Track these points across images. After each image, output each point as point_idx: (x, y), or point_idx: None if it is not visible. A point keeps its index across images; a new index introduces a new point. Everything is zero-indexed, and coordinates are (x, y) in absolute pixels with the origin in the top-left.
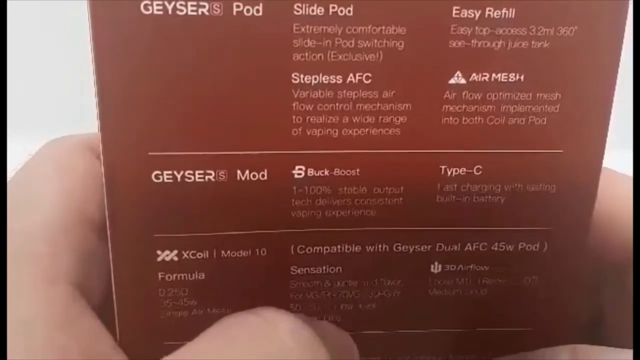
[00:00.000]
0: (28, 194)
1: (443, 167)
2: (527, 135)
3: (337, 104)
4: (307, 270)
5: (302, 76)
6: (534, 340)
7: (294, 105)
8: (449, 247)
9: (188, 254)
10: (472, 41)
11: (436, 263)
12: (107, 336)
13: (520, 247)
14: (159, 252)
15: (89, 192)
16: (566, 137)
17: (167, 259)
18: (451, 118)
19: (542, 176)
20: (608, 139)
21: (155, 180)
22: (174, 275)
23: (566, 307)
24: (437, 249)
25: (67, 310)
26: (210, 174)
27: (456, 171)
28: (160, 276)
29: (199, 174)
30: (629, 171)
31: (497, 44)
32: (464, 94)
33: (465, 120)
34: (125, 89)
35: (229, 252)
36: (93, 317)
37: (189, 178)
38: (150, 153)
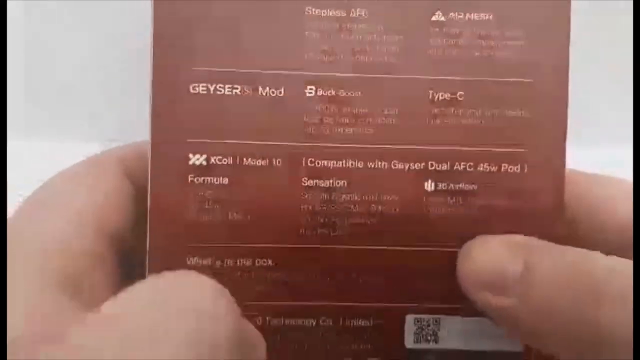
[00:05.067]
0: (50, 203)
1: (431, 91)
2: (499, 65)
3: (342, 34)
4: (316, 183)
5: (313, 10)
6: None
7: (306, 33)
8: (440, 166)
9: (215, 159)
10: None
11: (430, 181)
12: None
13: (503, 168)
14: (190, 155)
15: (108, 207)
16: (533, 68)
17: (197, 162)
18: (435, 50)
19: (517, 102)
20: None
21: (192, 92)
22: (202, 179)
23: (552, 232)
24: (429, 167)
25: (59, 319)
26: (237, 88)
27: (442, 96)
28: (190, 178)
29: (227, 87)
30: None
31: None
32: (444, 29)
33: (447, 52)
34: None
35: (249, 160)
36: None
37: (220, 91)
38: (190, 68)
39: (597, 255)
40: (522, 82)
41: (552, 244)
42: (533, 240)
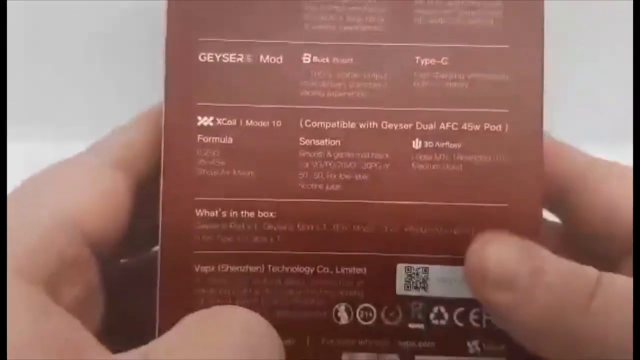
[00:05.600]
0: (37, 196)
1: (417, 57)
2: (479, 33)
3: (334, 6)
4: (312, 142)
5: None
6: (510, 216)
7: (304, 7)
8: (427, 126)
9: (220, 121)
10: None
11: (417, 139)
12: (81, 326)
13: (485, 127)
14: (199, 117)
15: (93, 207)
16: (509, 35)
17: (205, 124)
18: (421, 19)
19: (496, 66)
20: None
21: (201, 60)
22: (209, 138)
23: (535, 186)
24: (416, 127)
25: (38, 306)
26: (240, 57)
27: (427, 61)
28: (199, 138)
29: (232, 56)
30: None
31: None
32: (427, 2)
33: (432, 20)
34: None
35: (251, 121)
36: (67, 315)
37: (225, 59)
38: (199, 39)
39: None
40: (501, 48)
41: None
42: (542, 249)
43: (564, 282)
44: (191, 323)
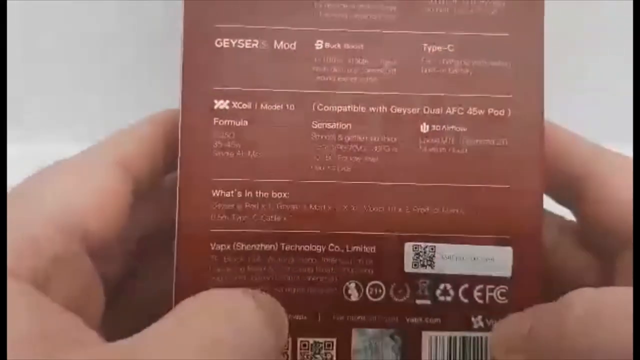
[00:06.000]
0: (32, 195)
1: (424, 45)
2: (483, 22)
3: None
4: (324, 125)
5: None
6: (512, 197)
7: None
8: (434, 110)
9: (236, 104)
10: None
11: (424, 123)
12: (74, 316)
13: (489, 112)
14: (215, 101)
15: (90, 204)
16: (511, 24)
17: (221, 107)
18: (428, 8)
19: (498, 54)
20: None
21: (217, 46)
22: (225, 121)
23: (535, 168)
24: (424, 111)
25: (31, 301)
26: (255, 42)
27: (434, 49)
28: (215, 121)
29: (247, 42)
30: None
31: None
32: None
33: (439, 10)
34: None
35: (266, 105)
36: (61, 308)
37: (240, 45)
38: (215, 25)
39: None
40: (503, 36)
41: (552, 304)
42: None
43: (550, 329)
44: (183, 310)
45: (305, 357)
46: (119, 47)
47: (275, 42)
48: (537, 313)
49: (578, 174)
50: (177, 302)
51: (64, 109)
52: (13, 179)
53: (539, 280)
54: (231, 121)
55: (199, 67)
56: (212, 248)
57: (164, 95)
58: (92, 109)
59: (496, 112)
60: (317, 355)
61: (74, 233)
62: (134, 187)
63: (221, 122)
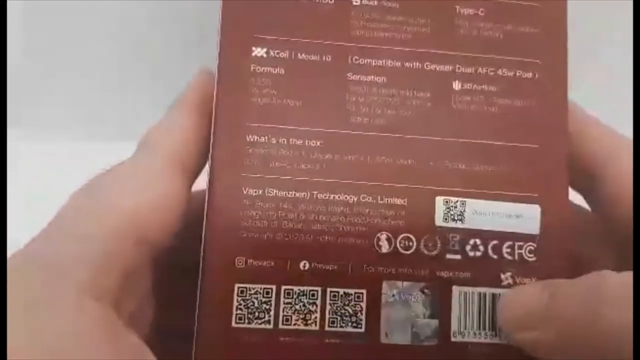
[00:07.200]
0: (98, 204)
1: (457, 7)
2: None
3: None
4: (359, 78)
5: None
6: (540, 156)
7: None
8: (466, 69)
9: (273, 52)
10: None
11: (457, 81)
12: (149, 351)
13: (517, 74)
14: (253, 48)
15: (156, 214)
16: None
17: (259, 54)
18: None
19: (528, 20)
20: None
21: None
22: (262, 68)
23: (562, 130)
24: (457, 70)
25: (112, 326)
26: None
27: (467, 11)
28: (252, 67)
29: None
30: None
31: None
32: None
33: None
34: None
35: (303, 54)
36: (133, 333)
37: None
38: None
39: (608, 274)
40: (531, 5)
41: (570, 281)
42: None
43: (573, 303)
44: None
45: (334, 307)
46: (122, 46)
47: None
48: (554, 288)
49: (596, 159)
50: (207, 245)
51: (64, 109)
52: (13, 179)
53: (567, 240)
54: (268, 68)
55: (239, 14)
56: (244, 192)
57: (165, 95)
58: (92, 109)
59: (525, 75)
60: (347, 307)
61: (143, 245)
62: (190, 182)
63: (258, 69)
